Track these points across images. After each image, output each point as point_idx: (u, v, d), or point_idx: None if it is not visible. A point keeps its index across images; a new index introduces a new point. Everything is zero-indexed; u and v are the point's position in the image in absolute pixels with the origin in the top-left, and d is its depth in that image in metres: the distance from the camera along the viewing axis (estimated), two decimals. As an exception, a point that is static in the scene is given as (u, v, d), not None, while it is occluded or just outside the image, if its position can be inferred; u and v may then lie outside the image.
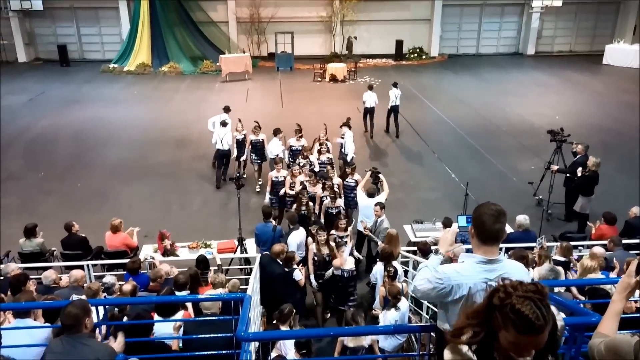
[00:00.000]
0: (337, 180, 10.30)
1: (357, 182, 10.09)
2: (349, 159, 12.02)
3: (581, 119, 17.76)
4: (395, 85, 16.11)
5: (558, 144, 11.24)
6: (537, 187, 11.70)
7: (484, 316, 2.21)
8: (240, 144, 12.46)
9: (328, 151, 11.49)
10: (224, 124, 12.59)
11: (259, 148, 12.20)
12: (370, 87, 16.19)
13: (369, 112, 15.91)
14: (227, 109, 13.73)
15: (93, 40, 27.92)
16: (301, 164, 10.60)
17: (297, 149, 11.80)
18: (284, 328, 5.81)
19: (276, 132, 12.01)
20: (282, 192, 10.24)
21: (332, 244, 7.91)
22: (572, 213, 10.78)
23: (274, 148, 11.84)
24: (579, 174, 10.34)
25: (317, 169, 10.96)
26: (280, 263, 7.50)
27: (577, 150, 10.86)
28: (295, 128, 12.21)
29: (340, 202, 9.54)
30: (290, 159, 11.81)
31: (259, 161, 12.30)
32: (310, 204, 9.49)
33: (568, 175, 10.83)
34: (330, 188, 9.60)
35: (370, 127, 16.08)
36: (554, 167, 10.92)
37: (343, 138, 12.43)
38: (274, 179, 10.44)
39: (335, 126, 12.95)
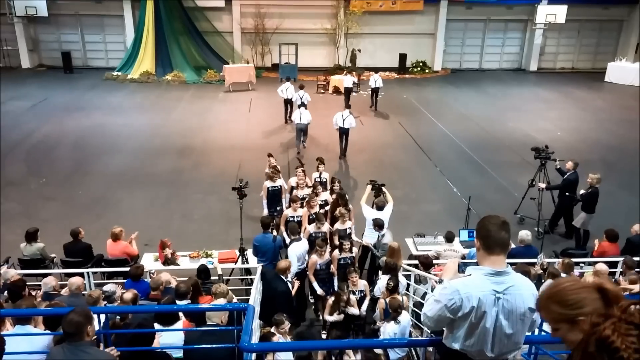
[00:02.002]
0: (349, 224, 9.02)
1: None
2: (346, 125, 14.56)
3: (583, 135, 17.80)
4: (375, 71, 20.52)
5: (542, 161, 11.14)
6: (518, 205, 11.57)
7: None
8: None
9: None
10: (301, 88, 17.59)
11: (277, 198, 10.34)
12: (350, 72, 20.90)
13: (347, 91, 20.38)
14: (287, 79, 18.90)
15: (97, 47, 28.03)
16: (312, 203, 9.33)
17: (303, 196, 9.97)
18: (277, 335, 5.77)
19: (302, 86, 16.24)
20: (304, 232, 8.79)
21: None
22: (572, 229, 10.73)
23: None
24: (581, 192, 10.34)
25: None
26: (285, 280, 7.36)
27: (567, 166, 10.81)
28: (298, 166, 10.83)
29: (362, 284, 7.86)
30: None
31: (275, 213, 10.14)
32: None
33: (567, 193, 10.75)
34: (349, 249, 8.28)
35: (346, 102, 18.99)
36: (542, 185, 10.87)
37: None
38: (289, 218, 9.22)
39: (337, 140, 12.99)
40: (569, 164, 10.80)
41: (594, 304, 1.87)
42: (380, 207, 9.12)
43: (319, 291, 8.05)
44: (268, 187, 10.22)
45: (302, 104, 16.62)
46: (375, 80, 20.19)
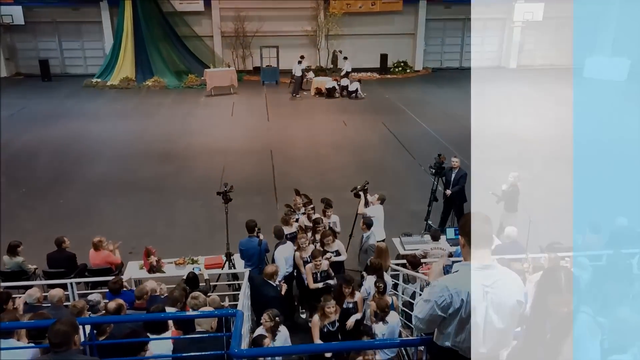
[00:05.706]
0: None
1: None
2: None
3: (563, 131, 17.93)
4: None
5: (437, 170, 10.77)
6: (426, 213, 11.15)
7: None
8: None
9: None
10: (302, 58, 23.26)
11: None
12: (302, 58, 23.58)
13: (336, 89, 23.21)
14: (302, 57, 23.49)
15: (75, 54, 27.72)
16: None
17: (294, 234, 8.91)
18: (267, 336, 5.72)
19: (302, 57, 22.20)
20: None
21: None
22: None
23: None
24: (503, 187, 10.26)
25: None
26: (274, 285, 7.31)
27: (454, 164, 10.76)
28: (304, 201, 9.51)
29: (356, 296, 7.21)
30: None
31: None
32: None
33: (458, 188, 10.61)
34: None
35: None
36: (448, 192, 10.78)
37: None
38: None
39: (321, 141, 12.93)
40: (456, 161, 10.80)
41: None
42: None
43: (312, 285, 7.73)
44: (285, 235, 8.60)
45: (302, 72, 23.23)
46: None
